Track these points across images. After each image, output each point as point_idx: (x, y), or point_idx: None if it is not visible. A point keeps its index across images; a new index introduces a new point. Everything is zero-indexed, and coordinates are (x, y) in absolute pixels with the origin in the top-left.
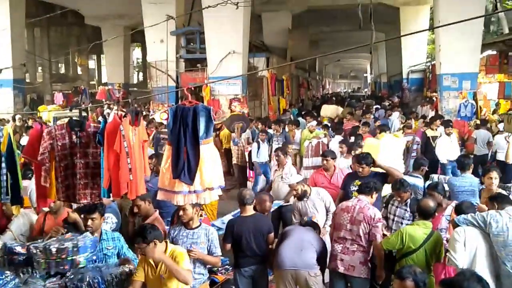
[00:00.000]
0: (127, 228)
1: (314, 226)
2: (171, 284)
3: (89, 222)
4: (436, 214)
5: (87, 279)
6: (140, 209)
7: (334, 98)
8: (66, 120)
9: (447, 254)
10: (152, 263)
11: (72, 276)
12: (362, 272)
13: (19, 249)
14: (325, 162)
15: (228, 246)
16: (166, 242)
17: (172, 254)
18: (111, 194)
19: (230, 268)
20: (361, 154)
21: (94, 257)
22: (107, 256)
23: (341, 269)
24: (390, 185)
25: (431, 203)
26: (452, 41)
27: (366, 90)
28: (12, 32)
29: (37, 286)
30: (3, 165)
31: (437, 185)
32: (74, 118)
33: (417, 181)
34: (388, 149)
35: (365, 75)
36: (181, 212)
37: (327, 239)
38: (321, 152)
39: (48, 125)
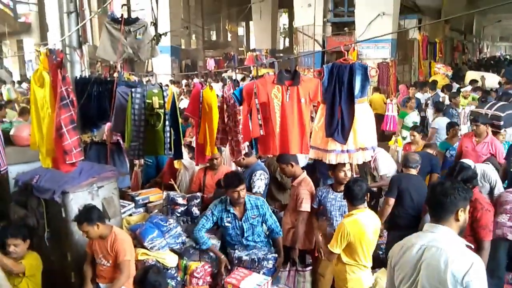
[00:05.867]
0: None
1: None
2: None
3: (242, 194)
4: None
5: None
6: (284, 172)
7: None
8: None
9: None
10: None
11: None
12: None
13: (180, 200)
14: (474, 127)
15: (392, 200)
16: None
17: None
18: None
19: None
20: None
21: None
22: (253, 225)
23: (510, 237)
24: None
25: None
26: None
27: None
28: (170, 1)
29: None
30: (167, 122)
31: None
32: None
33: None
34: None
35: None
36: (342, 174)
37: None
38: None
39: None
